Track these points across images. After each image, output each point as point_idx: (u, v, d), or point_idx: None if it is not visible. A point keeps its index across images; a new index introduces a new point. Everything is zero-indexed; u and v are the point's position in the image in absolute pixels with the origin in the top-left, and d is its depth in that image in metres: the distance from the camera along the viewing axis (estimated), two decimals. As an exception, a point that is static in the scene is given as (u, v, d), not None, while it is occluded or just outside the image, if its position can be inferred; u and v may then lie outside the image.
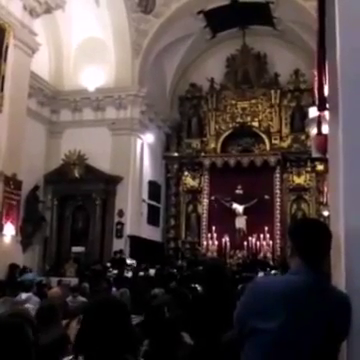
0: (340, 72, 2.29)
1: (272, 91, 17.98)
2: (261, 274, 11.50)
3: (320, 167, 16.35)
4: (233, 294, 3.89)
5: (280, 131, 17.90)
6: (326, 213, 15.06)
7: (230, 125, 18.33)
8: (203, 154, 18.28)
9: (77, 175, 15.56)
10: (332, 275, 2.51)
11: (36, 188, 15.20)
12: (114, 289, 8.36)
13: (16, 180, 11.86)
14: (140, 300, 6.12)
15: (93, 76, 16.01)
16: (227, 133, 18.35)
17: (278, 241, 16.95)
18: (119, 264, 13.59)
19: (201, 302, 4.00)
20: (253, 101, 18.25)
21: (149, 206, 17.43)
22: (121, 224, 15.94)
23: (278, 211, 17.31)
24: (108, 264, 13.82)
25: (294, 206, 17.82)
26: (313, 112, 5.31)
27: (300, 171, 17.64)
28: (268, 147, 17.84)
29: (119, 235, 15.86)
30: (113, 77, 16.48)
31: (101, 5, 15.45)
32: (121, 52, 16.31)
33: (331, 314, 2.08)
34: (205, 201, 18.09)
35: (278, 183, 17.52)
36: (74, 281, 10.66)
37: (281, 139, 17.87)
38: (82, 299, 7.26)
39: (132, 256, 15.16)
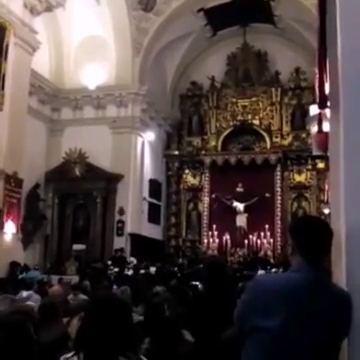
0: (341, 70, 2.30)
1: (273, 89, 17.94)
2: (261, 272, 11.48)
3: (321, 165, 16.30)
4: (233, 292, 3.90)
5: (281, 129, 17.87)
6: (327, 211, 15.05)
7: (231, 123, 18.30)
8: (204, 152, 18.25)
9: (78, 173, 15.56)
10: (333, 273, 2.51)
11: (37, 186, 15.20)
12: (115, 287, 8.36)
13: (17, 178, 11.86)
14: (141, 298, 6.13)
15: (94, 74, 15.99)
16: (228, 131, 18.33)
17: (279, 239, 16.95)
18: (120, 262, 13.59)
19: (202, 300, 4.00)
20: (254, 99, 18.20)
21: (150, 204, 17.42)
22: (122, 222, 15.93)
23: (279, 209, 17.29)
24: (109, 262, 13.83)
25: (295, 204, 17.80)
26: (314, 110, 5.29)
27: (301, 169, 17.62)
28: (269, 145, 17.81)
29: (120, 233, 15.86)
30: (114, 75, 16.46)
31: (101, 3, 15.43)
32: (122, 50, 16.29)
33: (332, 312, 2.08)
34: (206, 199, 18.08)
35: (279, 181, 17.50)
36: (75, 279, 10.65)
37: (282, 137, 17.83)
38: (83, 297, 7.26)
39: (133, 254, 15.18)
